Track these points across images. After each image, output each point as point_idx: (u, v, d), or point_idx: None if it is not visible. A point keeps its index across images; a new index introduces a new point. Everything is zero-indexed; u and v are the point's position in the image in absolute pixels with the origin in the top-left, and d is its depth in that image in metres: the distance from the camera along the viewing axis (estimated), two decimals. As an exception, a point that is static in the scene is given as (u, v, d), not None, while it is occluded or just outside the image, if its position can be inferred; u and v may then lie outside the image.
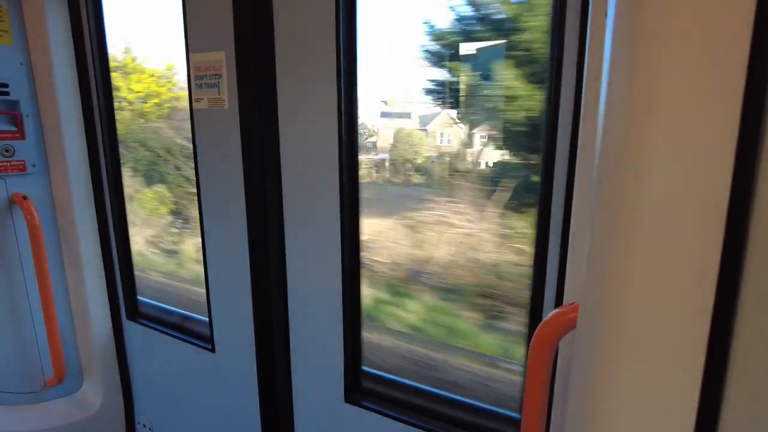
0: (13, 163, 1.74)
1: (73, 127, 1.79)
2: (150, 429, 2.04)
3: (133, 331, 1.96)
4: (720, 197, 0.39)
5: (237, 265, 1.49)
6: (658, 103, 0.40)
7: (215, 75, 1.40)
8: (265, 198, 1.40)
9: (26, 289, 1.83)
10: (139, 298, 1.98)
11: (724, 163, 0.38)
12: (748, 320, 0.40)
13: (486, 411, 1.27)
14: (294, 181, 1.39)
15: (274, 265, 1.44)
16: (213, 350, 1.66)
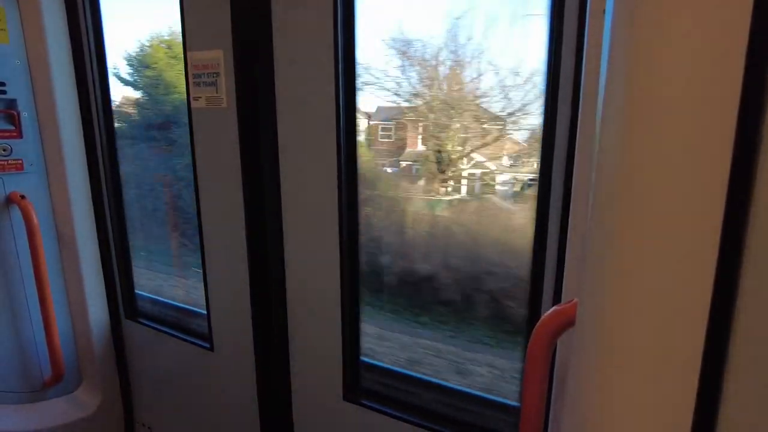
0: (10, 161, 1.73)
1: (71, 125, 1.79)
2: (149, 428, 2.03)
3: (131, 330, 1.96)
4: (718, 195, 0.39)
5: (235, 263, 1.49)
6: (656, 101, 0.40)
7: (213, 73, 1.40)
8: (263, 196, 1.39)
9: (24, 288, 1.82)
10: (137, 291, 1.98)
11: (722, 161, 0.38)
12: (746, 317, 0.40)
13: (486, 400, 1.28)
14: (292, 179, 1.39)
15: (273, 263, 1.44)
16: (212, 349, 1.66)
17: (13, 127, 1.73)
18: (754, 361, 0.40)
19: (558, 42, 0.96)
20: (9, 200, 1.75)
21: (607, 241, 0.47)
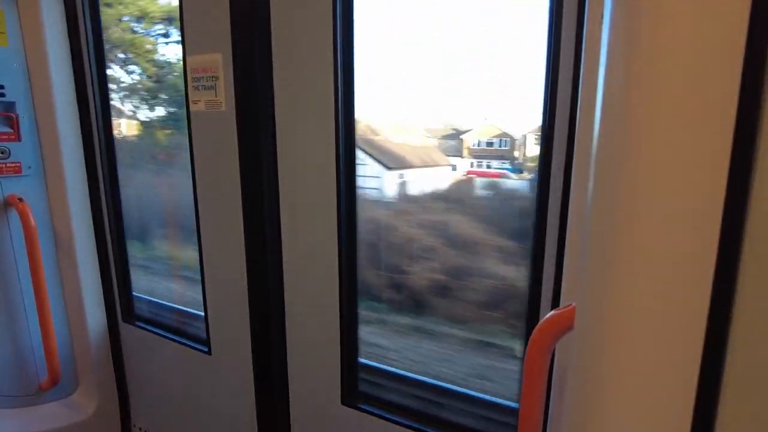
0: (8, 164, 1.73)
1: (70, 128, 1.79)
2: (146, 432, 2.02)
3: (128, 333, 1.95)
4: (716, 198, 0.39)
5: (234, 267, 1.49)
6: (653, 105, 0.41)
7: (212, 77, 1.40)
8: (262, 200, 1.39)
9: (21, 291, 1.82)
10: (135, 294, 1.98)
11: (719, 165, 0.39)
12: (744, 321, 0.40)
13: (485, 402, 1.27)
14: (291, 183, 1.39)
15: (271, 267, 1.43)
16: (209, 353, 1.65)
17: (12, 130, 1.73)
18: (753, 364, 0.40)
19: (557, 49, 0.96)
20: (7, 203, 1.75)
21: (605, 245, 0.47)
